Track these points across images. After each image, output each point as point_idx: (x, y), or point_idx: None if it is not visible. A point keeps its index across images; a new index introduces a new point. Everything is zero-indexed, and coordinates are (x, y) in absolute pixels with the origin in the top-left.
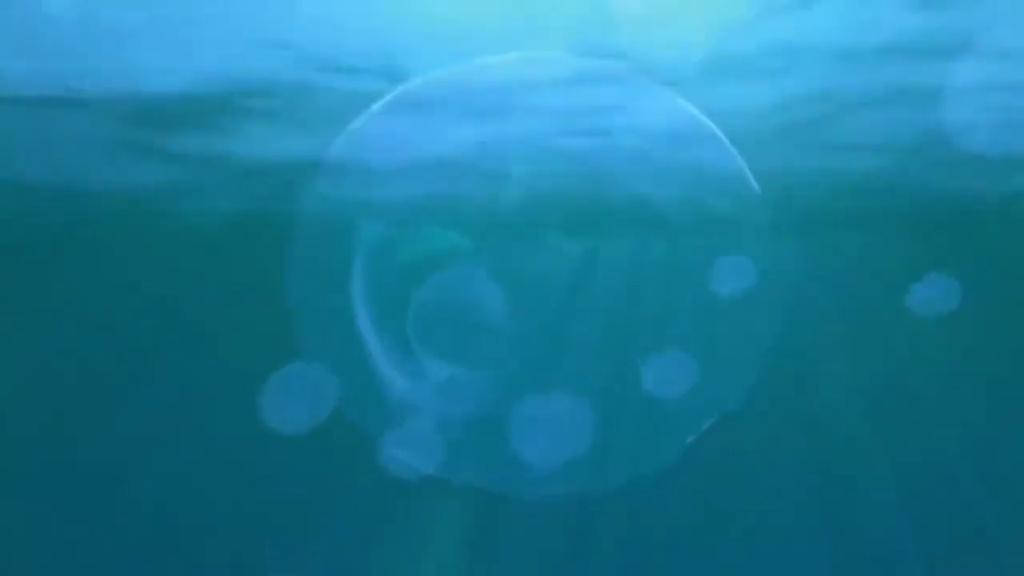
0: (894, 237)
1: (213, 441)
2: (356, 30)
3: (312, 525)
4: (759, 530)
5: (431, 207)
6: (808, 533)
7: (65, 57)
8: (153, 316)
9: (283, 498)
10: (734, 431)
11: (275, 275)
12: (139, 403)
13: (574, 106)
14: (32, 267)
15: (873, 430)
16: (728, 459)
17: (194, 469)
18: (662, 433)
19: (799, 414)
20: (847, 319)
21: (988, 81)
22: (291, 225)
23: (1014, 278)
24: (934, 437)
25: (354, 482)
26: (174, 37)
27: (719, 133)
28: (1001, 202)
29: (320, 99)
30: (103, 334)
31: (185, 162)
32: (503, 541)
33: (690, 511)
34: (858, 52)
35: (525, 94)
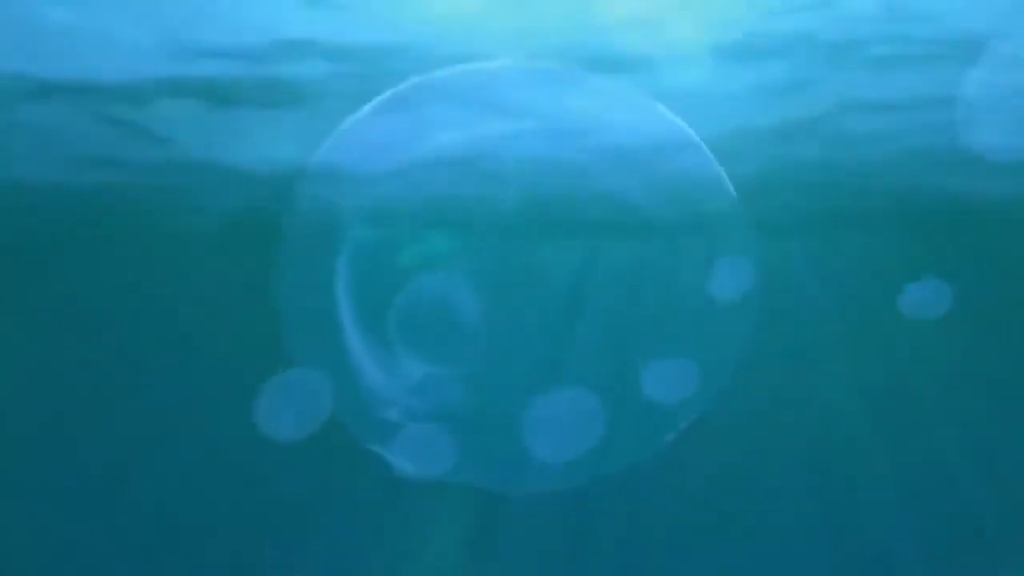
0: (894, 237)
1: (212, 442)
2: (355, 29)
3: (311, 526)
4: (758, 530)
5: (420, 210)
6: (808, 533)
7: (56, 57)
8: (153, 318)
9: (283, 499)
10: (733, 431)
11: (275, 277)
12: (138, 405)
13: (558, 112)
14: (28, 268)
15: (873, 430)
16: (727, 459)
17: (192, 471)
18: (657, 433)
19: (799, 414)
20: (846, 319)
21: (995, 84)
22: (288, 228)
23: (1014, 280)
24: (935, 437)
25: (353, 483)
26: (174, 36)
27: (698, 139)
28: (1002, 203)
29: (318, 99)
30: (102, 336)
31: (186, 163)
32: (502, 540)
33: (689, 511)
34: (860, 52)
35: (511, 100)
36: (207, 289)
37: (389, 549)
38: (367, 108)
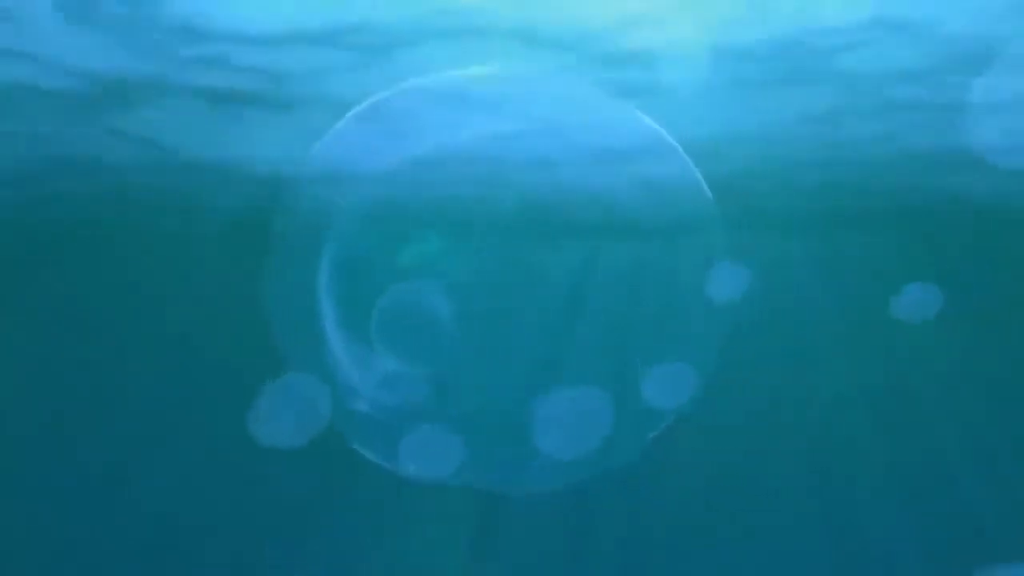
0: (894, 237)
1: (212, 444)
2: (354, 27)
3: (311, 526)
4: (758, 530)
5: (414, 212)
6: (808, 533)
7: (54, 58)
8: (153, 319)
9: (283, 500)
10: (733, 431)
11: (275, 278)
12: (139, 405)
13: (546, 116)
14: (28, 268)
15: (873, 430)
16: (727, 459)
17: (192, 473)
18: (656, 434)
19: (799, 414)
20: (846, 319)
21: (996, 87)
22: (287, 229)
23: (1013, 280)
24: (935, 437)
25: (354, 483)
26: (171, 35)
27: (675, 144)
28: (1002, 204)
29: (318, 98)
30: (102, 337)
31: (186, 163)
32: (502, 540)
33: (689, 511)
34: (856, 57)
35: (501, 103)
36: (207, 290)
37: (388, 549)
38: (361, 108)
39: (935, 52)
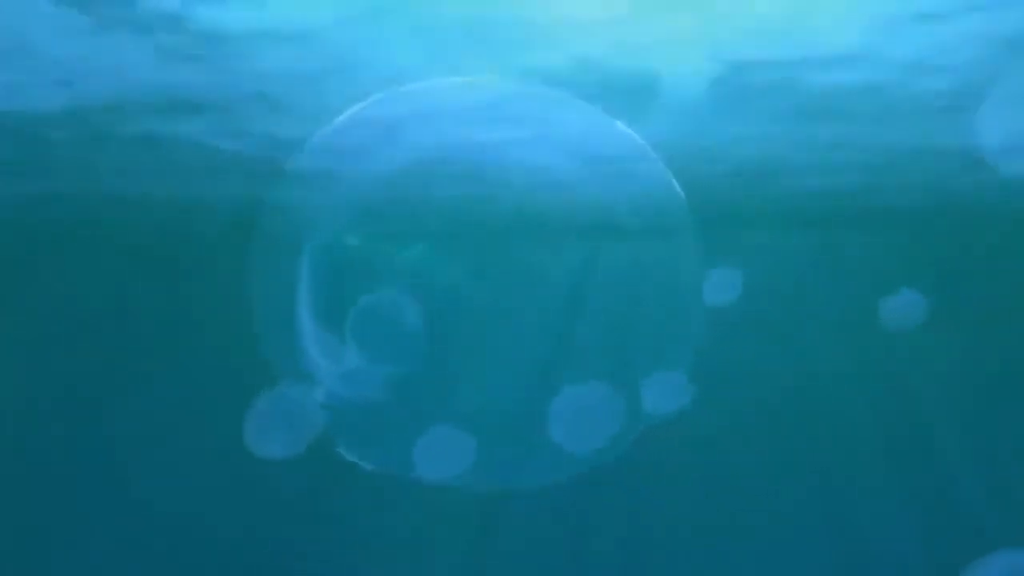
0: (894, 237)
1: (210, 445)
2: (352, 26)
3: (310, 527)
4: (758, 529)
5: (407, 215)
6: (808, 533)
7: (57, 53)
8: (153, 319)
9: (284, 501)
10: (732, 431)
11: (271, 280)
12: (138, 406)
13: (533, 124)
14: (26, 270)
15: (874, 430)
16: (726, 459)
17: (190, 475)
18: (654, 433)
19: (798, 414)
20: (846, 319)
21: (1003, 87)
22: (284, 229)
23: (1014, 281)
24: (935, 438)
25: (353, 484)
26: (164, 34)
27: (650, 150)
28: (1005, 205)
29: (318, 96)
30: (101, 338)
31: (184, 163)
32: (502, 540)
33: (688, 511)
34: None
35: (492, 110)
36: (206, 290)
37: (388, 550)
38: (355, 110)
39: (935, 51)
